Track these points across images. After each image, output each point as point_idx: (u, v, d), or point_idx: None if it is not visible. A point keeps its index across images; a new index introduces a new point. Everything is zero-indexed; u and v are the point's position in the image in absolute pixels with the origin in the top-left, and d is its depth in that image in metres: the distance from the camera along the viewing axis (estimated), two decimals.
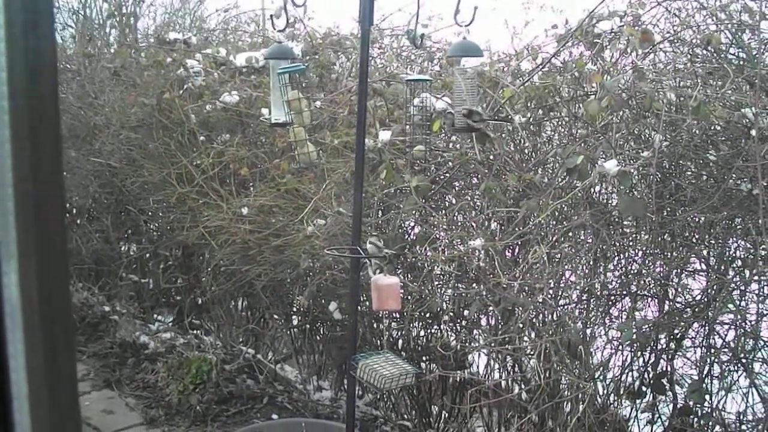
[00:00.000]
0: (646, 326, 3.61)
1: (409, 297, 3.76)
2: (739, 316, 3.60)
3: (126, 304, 6.41)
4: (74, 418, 0.91)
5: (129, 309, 6.33)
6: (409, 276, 3.89)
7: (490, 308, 3.68)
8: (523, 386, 3.82)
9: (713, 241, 3.77)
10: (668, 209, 3.57)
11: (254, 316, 5.59)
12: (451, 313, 4.03)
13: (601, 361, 3.90)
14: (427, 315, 4.18)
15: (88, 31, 7.97)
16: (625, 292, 3.85)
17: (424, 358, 4.45)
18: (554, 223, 3.64)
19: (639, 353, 3.87)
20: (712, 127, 3.39)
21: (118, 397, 5.23)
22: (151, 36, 7.37)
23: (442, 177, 3.86)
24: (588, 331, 3.82)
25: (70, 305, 0.90)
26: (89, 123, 5.89)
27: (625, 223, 3.74)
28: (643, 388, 3.86)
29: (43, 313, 0.82)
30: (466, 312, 4.00)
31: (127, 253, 6.50)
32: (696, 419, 3.74)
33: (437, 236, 3.78)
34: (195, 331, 5.84)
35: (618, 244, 3.76)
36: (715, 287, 3.62)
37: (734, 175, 3.30)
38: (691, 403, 3.68)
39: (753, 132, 3.02)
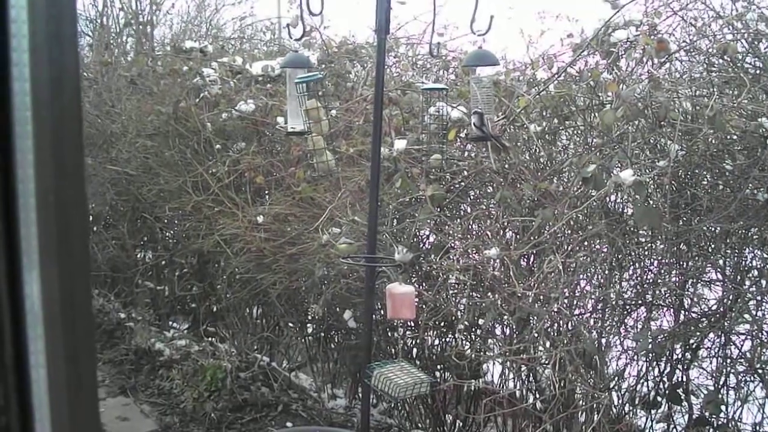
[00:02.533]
0: (662, 336, 3.59)
1: (424, 306, 3.76)
2: (755, 327, 3.58)
3: (142, 311, 6.43)
4: (95, 429, 0.91)
5: (144, 316, 6.35)
6: (424, 285, 3.89)
7: (505, 317, 3.67)
8: (537, 396, 3.81)
9: (729, 251, 3.75)
10: (684, 219, 3.56)
11: (269, 324, 5.60)
12: (466, 323, 4.02)
13: (617, 371, 3.89)
14: (442, 324, 4.18)
15: (105, 40, 8.02)
16: (640, 302, 3.83)
17: (438, 367, 4.45)
18: (569, 232, 3.63)
19: (654, 363, 3.86)
20: (729, 137, 3.37)
21: (133, 403, 5.24)
22: (168, 44, 7.40)
23: (457, 186, 3.86)
24: (603, 340, 3.81)
25: (91, 316, 0.91)
26: (106, 131, 5.93)
27: (640, 232, 3.73)
28: (659, 399, 3.84)
29: (65, 324, 0.82)
30: (480, 321, 3.99)
31: (143, 260, 6.53)
32: (712, 430, 3.72)
33: (452, 245, 3.78)
34: (210, 339, 5.85)
35: (633, 254, 3.74)
36: (731, 297, 3.60)
37: (751, 185, 3.28)
38: (707, 413, 3.66)
39: None
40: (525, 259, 3.74)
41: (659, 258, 3.80)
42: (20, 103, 0.78)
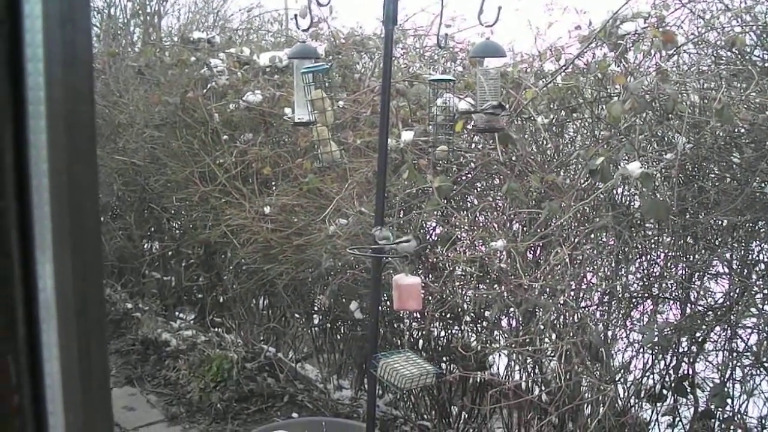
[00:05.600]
0: (668, 329, 3.59)
1: (430, 297, 3.76)
2: (762, 320, 3.57)
3: (148, 302, 6.45)
4: (106, 412, 0.92)
5: (151, 306, 6.37)
6: (431, 276, 3.89)
7: (512, 309, 3.68)
8: (543, 388, 3.81)
9: (736, 245, 3.74)
10: (691, 212, 3.55)
11: (275, 315, 5.61)
12: (472, 314, 4.03)
13: (622, 363, 3.89)
14: (448, 315, 4.18)
15: (113, 31, 8.02)
16: (646, 295, 3.83)
17: (444, 359, 4.45)
18: (576, 224, 3.63)
19: (660, 356, 3.86)
20: (736, 130, 3.37)
21: (140, 393, 5.26)
22: (175, 35, 7.39)
23: (464, 177, 3.86)
24: (609, 333, 3.81)
25: (103, 296, 0.91)
26: (113, 121, 5.94)
27: (647, 225, 3.72)
28: (664, 392, 3.84)
29: (77, 304, 0.83)
30: (487, 313, 4.00)
31: (149, 250, 6.55)
32: (717, 423, 3.72)
33: (459, 237, 3.78)
34: (216, 329, 5.86)
35: (640, 247, 3.74)
36: (737, 290, 3.60)
37: (758, 178, 3.28)
38: (712, 406, 3.66)
39: None
40: (531, 252, 3.73)
41: (666, 251, 3.80)
42: (34, 83, 0.78)
